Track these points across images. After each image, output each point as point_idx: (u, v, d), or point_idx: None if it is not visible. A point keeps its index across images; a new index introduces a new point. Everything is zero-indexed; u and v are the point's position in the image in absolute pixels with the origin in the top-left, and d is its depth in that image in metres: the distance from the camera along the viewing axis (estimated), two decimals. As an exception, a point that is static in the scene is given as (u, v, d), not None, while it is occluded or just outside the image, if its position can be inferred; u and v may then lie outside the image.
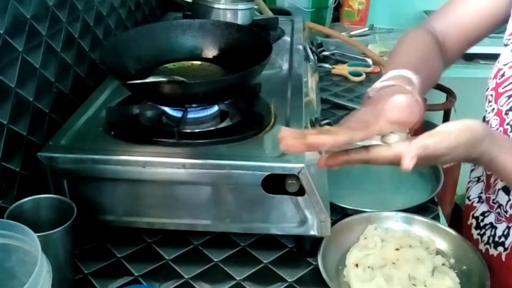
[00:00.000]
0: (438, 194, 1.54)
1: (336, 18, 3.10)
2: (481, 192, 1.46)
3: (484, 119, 1.37)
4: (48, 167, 1.24)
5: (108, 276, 1.27)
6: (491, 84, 1.33)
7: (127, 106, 1.41)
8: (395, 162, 0.99)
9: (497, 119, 1.30)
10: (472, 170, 1.53)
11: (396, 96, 1.00)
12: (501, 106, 1.29)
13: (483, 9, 1.38)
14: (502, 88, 1.29)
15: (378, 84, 1.18)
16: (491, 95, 1.32)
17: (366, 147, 1.02)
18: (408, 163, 0.96)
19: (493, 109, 1.32)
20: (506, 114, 1.27)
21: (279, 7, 2.70)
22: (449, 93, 2.80)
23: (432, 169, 1.62)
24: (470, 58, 2.80)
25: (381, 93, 1.16)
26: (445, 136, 1.00)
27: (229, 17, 1.91)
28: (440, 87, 2.73)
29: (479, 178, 1.48)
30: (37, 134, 1.36)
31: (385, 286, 1.20)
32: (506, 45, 1.32)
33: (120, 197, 1.29)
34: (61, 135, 1.31)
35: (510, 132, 1.26)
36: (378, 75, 2.32)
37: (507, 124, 1.27)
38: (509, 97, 1.27)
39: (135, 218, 1.30)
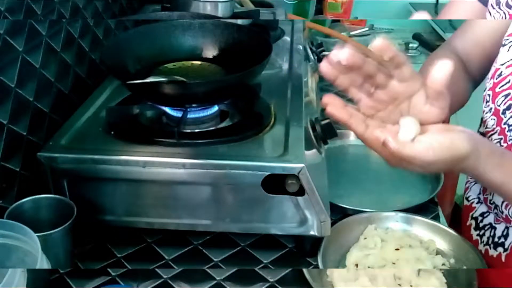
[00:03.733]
0: (438, 194, 1.53)
1: (319, 11, 3.06)
2: (480, 193, 1.46)
3: (481, 120, 1.37)
4: (48, 167, 1.24)
5: (106, 273, 1.26)
6: (488, 84, 1.34)
7: (127, 106, 1.41)
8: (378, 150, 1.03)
9: (494, 119, 1.31)
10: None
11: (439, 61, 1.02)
12: (498, 106, 1.29)
13: (498, 24, 1.39)
14: (499, 88, 1.30)
15: None
16: (489, 95, 1.33)
17: (367, 125, 1.06)
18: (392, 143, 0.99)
19: (491, 108, 1.32)
20: (503, 113, 1.27)
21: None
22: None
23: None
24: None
25: None
26: (424, 151, 1.01)
27: (209, 10, 1.89)
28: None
29: None
30: (37, 134, 1.36)
31: (370, 286, 1.19)
32: (504, 45, 1.32)
33: (120, 197, 1.28)
34: (61, 135, 1.30)
35: (507, 131, 1.27)
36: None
37: (505, 123, 1.27)
38: (506, 96, 1.27)
39: (135, 218, 1.30)
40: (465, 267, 1.27)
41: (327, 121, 1.31)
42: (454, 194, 1.62)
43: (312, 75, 1.73)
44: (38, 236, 0.96)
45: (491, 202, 1.37)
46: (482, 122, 1.39)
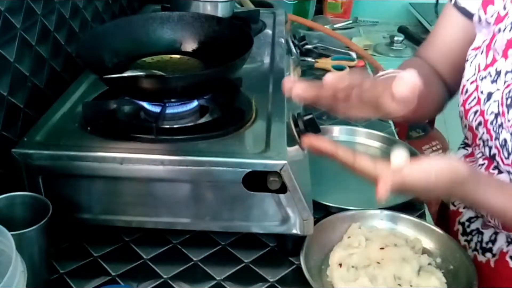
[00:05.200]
0: (425, 192, 1.51)
1: (320, 11, 3.08)
2: None
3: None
4: (23, 164, 1.22)
5: (85, 276, 1.25)
6: (460, 99, 1.33)
7: (104, 101, 1.39)
8: (371, 181, 1.01)
9: (470, 134, 1.31)
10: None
11: (405, 71, 1.01)
12: (471, 122, 1.29)
13: (460, 36, 1.39)
14: (468, 105, 1.30)
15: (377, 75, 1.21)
16: (461, 111, 1.33)
17: (354, 153, 1.04)
18: (380, 195, 0.98)
19: (465, 125, 1.33)
20: (477, 129, 1.28)
21: (260, -1, 2.68)
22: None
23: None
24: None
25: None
26: (425, 175, 1.00)
27: (209, 10, 1.89)
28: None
29: None
30: (11, 130, 1.34)
31: (370, 286, 1.18)
32: (467, 60, 1.32)
33: (97, 195, 1.27)
34: (36, 131, 1.28)
35: (482, 147, 1.27)
36: (362, 69, 2.32)
37: (479, 139, 1.28)
38: (475, 113, 1.28)
39: (112, 217, 1.28)
40: (452, 267, 1.26)
41: (310, 116, 1.30)
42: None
43: (295, 69, 1.73)
44: (12, 234, 0.93)
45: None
46: (465, 136, 1.39)
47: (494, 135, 1.23)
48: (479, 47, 1.30)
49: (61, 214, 1.22)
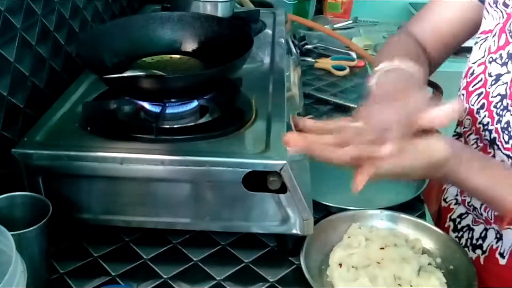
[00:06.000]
0: (425, 192, 1.53)
1: (320, 11, 3.07)
2: (457, 195, 1.45)
3: (458, 120, 1.37)
4: (23, 164, 1.22)
5: (85, 276, 1.24)
6: (462, 83, 1.34)
7: (104, 101, 1.38)
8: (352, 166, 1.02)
9: (469, 119, 1.32)
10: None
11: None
12: (472, 105, 1.29)
13: (457, 15, 1.39)
14: (472, 87, 1.30)
15: (381, 67, 1.19)
16: (463, 95, 1.33)
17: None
18: (355, 187, 1.00)
19: (465, 108, 1.32)
20: (478, 113, 1.27)
21: (260, -1, 2.68)
22: (436, 87, 2.78)
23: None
24: (457, 51, 2.80)
25: (388, 78, 1.16)
26: (400, 160, 1.00)
27: (209, 10, 1.89)
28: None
29: None
30: (11, 130, 1.33)
31: (370, 286, 1.18)
32: (476, 43, 1.32)
33: (97, 195, 1.27)
34: (36, 131, 1.28)
35: (482, 131, 1.27)
36: (363, 69, 2.31)
37: (479, 123, 1.27)
38: (479, 95, 1.27)
39: (112, 216, 1.28)
40: (452, 267, 1.26)
41: (310, 116, 1.30)
42: (440, 192, 1.61)
43: (295, 69, 1.72)
44: (12, 234, 0.93)
45: (469, 204, 1.37)
46: (459, 122, 1.38)
47: (496, 118, 1.23)
48: (490, 30, 1.30)
49: (61, 214, 1.21)
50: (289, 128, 1.30)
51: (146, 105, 1.34)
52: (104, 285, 1.21)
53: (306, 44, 2.45)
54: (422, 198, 1.52)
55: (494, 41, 1.26)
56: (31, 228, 1.09)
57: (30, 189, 1.22)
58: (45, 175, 1.23)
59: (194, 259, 1.29)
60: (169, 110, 1.31)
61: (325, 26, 2.59)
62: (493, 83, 1.24)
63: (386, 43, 1.45)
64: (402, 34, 1.48)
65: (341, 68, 2.28)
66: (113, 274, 1.25)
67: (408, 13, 3.09)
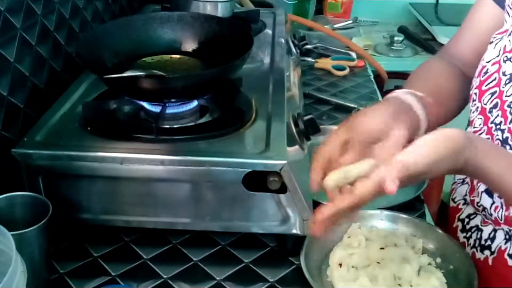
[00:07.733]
0: (425, 192, 1.53)
1: (319, 11, 3.07)
2: (466, 195, 1.45)
3: (469, 120, 1.36)
4: (23, 164, 1.22)
5: (85, 276, 1.24)
6: (475, 82, 1.33)
7: (104, 101, 1.38)
8: (381, 192, 0.98)
9: (481, 118, 1.30)
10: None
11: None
12: (485, 104, 1.28)
13: (491, 24, 1.37)
14: (486, 86, 1.29)
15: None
16: (475, 94, 1.32)
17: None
18: (391, 186, 0.94)
19: (477, 107, 1.31)
20: (490, 112, 1.26)
21: (260, -1, 2.68)
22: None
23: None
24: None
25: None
26: (425, 152, 0.99)
27: (209, 10, 1.89)
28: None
29: (463, 180, 1.47)
30: (11, 130, 1.34)
31: (370, 286, 1.18)
32: (491, 42, 1.31)
33: (97, 195, 1.27)
34: (36, 131, 1.28)
35: (494, 131, 1.25)
36: (362, 69, 2.31)
37: (491, 122, 1.26)
38: (492, 94, 1.26)
39: (112, 217, 1.28)
40: (452, 267, 1.26)
41: (310, 116, 1.30)
42: (440, 192, 1.61)
43: (295, 69, 1.72)
44: (12, 234, 0.93)
45: (479, 204, 1.36)
46: (470, 122, 1.37)
47: (509, 118, 1.22)
48: (506, 30, 1.29)
49: (61, 214, 1.22)
50: (289, 128, 1.30)
51: (146, 105, 1.34)
52: (104, 285, 1.21)
53: (306, 44, 2.45)
54: (422, 198, 1.52)
55: (509, 40, 1.26)
56: (31, 228, 1.09)
57: (30, 189, 1.21)
58: (45, 175, 1.23)
59: (194, 259, 1.29)
60: (169, 110, 1.31)
61: (325, 26, 2.60)
62: (507, 82, 1.24)
63: (414, 71, 1.43)
64: (437, 60, 1.48)
65: (341, 68, 2.28)
66: (113, 274, 1.25)
67: (408, 13, 3.08)
